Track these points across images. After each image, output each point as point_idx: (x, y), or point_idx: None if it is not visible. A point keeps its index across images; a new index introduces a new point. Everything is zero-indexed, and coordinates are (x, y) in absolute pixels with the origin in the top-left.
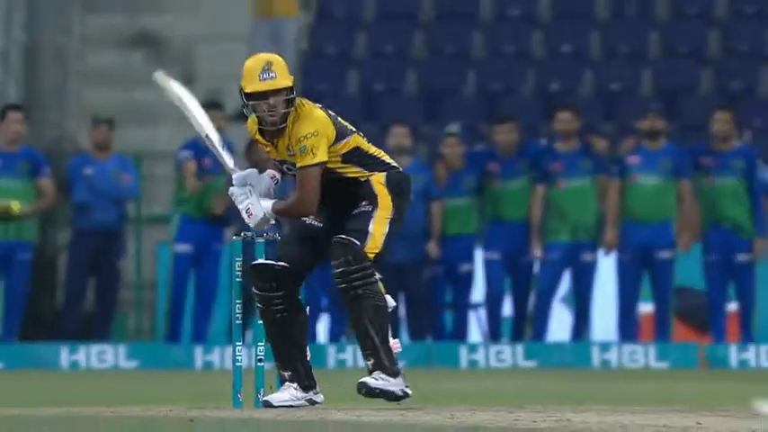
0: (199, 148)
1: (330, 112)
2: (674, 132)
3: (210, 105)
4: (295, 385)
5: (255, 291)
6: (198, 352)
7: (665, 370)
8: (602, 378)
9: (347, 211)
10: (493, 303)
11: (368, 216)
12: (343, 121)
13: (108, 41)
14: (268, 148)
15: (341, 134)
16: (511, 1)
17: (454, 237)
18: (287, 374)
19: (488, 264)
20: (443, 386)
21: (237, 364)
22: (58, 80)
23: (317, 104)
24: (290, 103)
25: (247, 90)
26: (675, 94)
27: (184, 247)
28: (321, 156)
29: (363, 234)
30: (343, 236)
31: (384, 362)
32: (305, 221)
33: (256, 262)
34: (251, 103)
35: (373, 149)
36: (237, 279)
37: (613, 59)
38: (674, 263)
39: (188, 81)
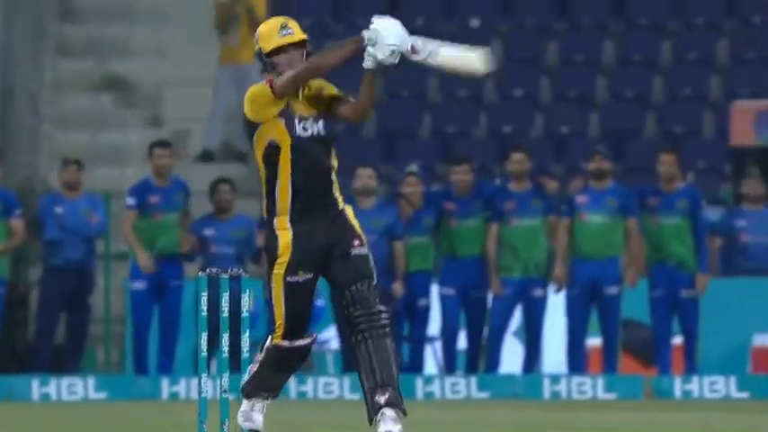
0: (146, 188)
1: None
2: (621, 173)
3: (159, 144)
4: (262, 405)
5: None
6: (164, 383)
7: (612, 401)
8: (553, 408)
9: (337, 247)
10: (448, 337)
11: (368, 261)
12: None
13: (79, 85)
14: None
15: None
16: None
17: (413, 273)
18: (263, 396)
19: (444, 299)
20: None
21: (203, 395)
22: (30, 123)
23: None
24: (307, 56)
25: (269, 48)
26: (622, 137)
27: (140, 285)
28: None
29: (372, 280)
30: (360, 285)
31: (400, 397)
32: (299, 281)
33: (289, 347)
34: (271, 60)
35: None
36: (203, 313)
37: (563, 103)
38: (621, 298)
39: (155, 124)
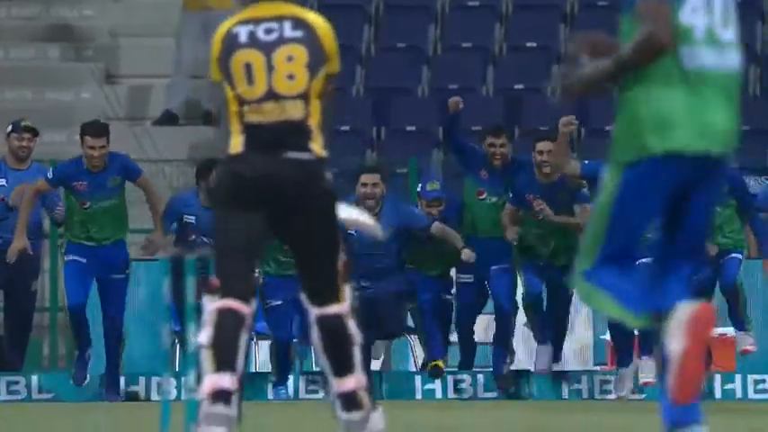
0: (75, 171)
1: None
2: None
3: (90, 131)
4: None
5: None
6: (120, 382)
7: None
8: (571, 409)
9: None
10: (464, 330)
11: (334, 261)
12: None
13: (20, 35)
14: None
15: None
16: None
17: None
18: None
19: (461, 287)
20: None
21: (166, 396)
22: None
23: None
24: None
25: None
26: None
27: (76, 258)
28: None
29: (335, 295)
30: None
31: None
32: None
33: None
34: None
35: None
36: (166, 302)
37: None
38: None
39: (110, 80)
